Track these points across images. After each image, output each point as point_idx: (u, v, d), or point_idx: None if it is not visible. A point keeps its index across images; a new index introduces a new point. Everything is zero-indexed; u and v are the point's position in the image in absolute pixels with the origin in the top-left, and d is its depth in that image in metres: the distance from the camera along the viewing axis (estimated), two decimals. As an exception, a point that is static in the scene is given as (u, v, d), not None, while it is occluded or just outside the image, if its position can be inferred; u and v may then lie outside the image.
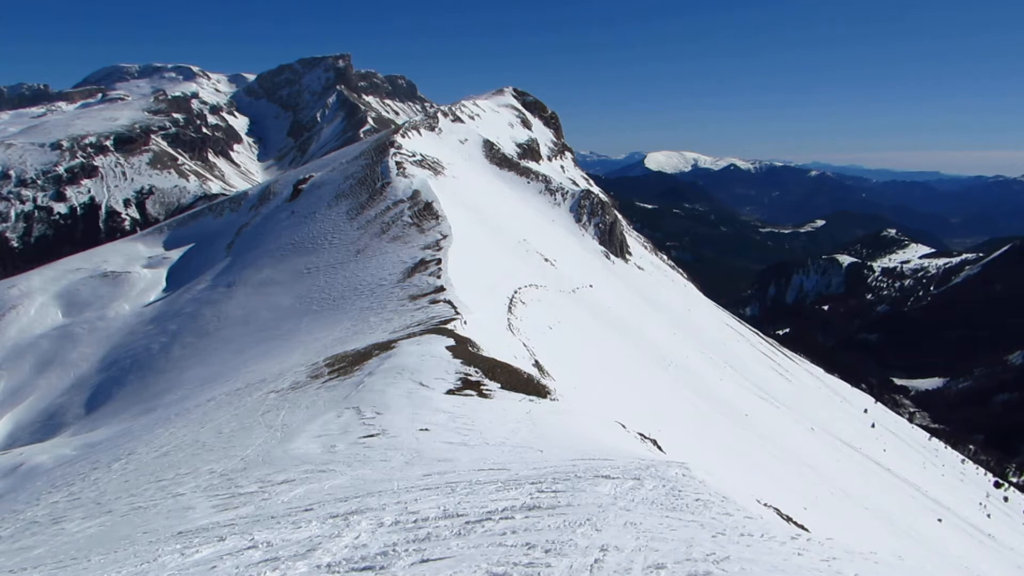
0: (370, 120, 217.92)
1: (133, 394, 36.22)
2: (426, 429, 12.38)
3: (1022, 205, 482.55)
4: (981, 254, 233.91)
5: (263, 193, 61.55)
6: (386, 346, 20.98)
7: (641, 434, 17.67)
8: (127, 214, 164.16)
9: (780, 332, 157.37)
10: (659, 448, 17.16)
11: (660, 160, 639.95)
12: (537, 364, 23.46)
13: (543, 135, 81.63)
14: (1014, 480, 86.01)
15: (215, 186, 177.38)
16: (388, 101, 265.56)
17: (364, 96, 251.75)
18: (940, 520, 43.89)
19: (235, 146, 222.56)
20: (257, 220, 55.91)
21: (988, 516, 56.02)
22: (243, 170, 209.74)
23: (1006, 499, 67.27)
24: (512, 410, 14.31)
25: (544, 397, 17.58)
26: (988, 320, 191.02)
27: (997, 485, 71.83)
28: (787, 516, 12.62)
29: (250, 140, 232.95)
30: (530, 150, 75.10)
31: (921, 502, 47.23)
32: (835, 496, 34.06)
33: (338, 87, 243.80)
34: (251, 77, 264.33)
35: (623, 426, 17.21)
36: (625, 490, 6.80)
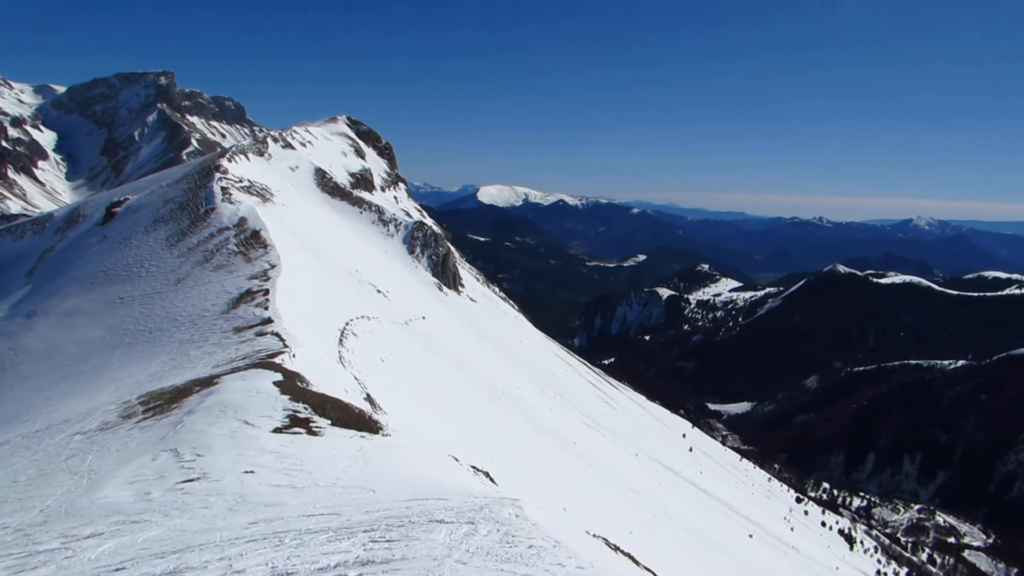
0: (194, 142, 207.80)
1: (-93, 438, 32.09)
2: (251, 471, 11.81)
3: (815, 243, 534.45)
4: (781, 288, 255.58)
5: (71, 215, 56.99)
6: (208, 382, 19.88)
7: (474, 467, 17.74)
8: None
9: (606, 362, 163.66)
10: (492, 480, 17.29)
11: (492, 193, 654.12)
12: (369, 398, 23.06)
13: (377, 165, 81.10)
14: (812, 495, 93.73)
15: (15, 206, 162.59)
16: (215, 123, 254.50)
17: (188, 116, 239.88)
18: (751, 536, 47.03)
19: (40, 163, 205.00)
20: (63, 244, 51.62)
21: (792, 529, 60.71)
22: (48, 189, 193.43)
23: (806, 513, 73.20)
24: (343, 448, 13.95)
25: (376, 433, 17.27)
26: (788, 348, 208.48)
27: (798, 500, 78.04)
28: (615, 545, 13.07)
29: (58, 157, 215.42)
30: (363, 180, 74.35)
31: (734, 520, 50.40)
32: (658, 519, 35.65)
33: (159, 105, 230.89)
34: (61, 89, 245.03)
35: (456, 459, 17.22)
36: (460, 537, 6.77)
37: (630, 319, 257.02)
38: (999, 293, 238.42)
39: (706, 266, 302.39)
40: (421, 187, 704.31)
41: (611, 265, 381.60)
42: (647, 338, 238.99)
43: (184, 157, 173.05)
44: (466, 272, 79.36)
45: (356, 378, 25.57)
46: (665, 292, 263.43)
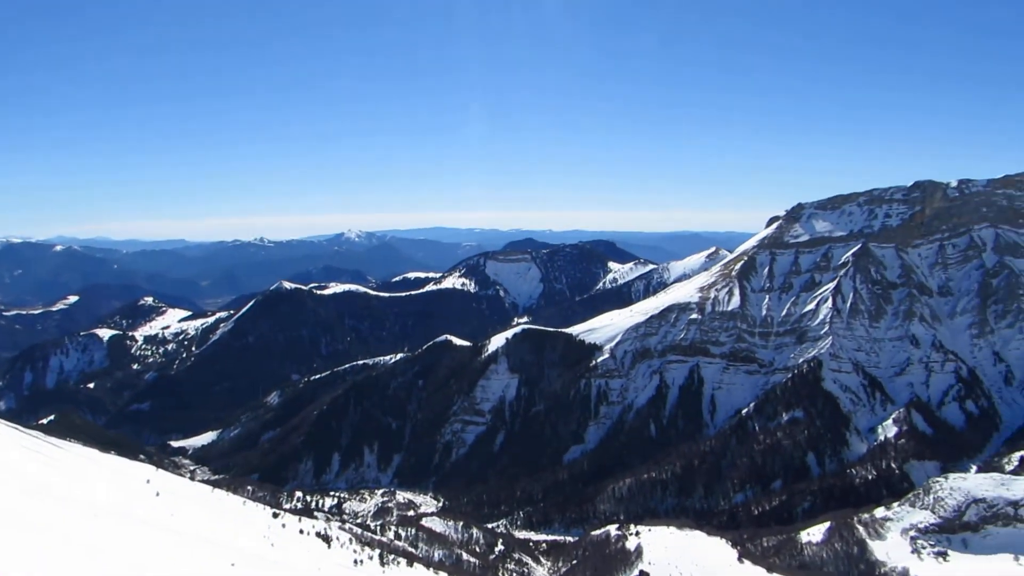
0: None
1: None
2: None
3: (259, 264, 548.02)
4: (232, 311, 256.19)
5: None
6: None
7: None
8: None
9: (45, 420, 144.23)
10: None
11: None
12: None
13: None
14: (288, 506, 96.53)
15: None
16: None
17: None
18: (233, 564, 46.82)
19: None
20: None
21: (272, 545, 62.02)
22: None
23: (284, 526, 75.05)
24: None
25: None
26: (247, 369, 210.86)
27: (275, 515, 79.53)
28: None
29: None
30: None
31: (216, 553, 49.32)
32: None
33: None
34: None
35: None
36: None
37: (68, 368, 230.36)
38: (422, 291, 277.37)
39: (150, 299, 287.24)
40: None
41: (36, 312, 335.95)
42: (91, 386, 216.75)
43: None
44: None
45: None
46: (107, 333, 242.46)
